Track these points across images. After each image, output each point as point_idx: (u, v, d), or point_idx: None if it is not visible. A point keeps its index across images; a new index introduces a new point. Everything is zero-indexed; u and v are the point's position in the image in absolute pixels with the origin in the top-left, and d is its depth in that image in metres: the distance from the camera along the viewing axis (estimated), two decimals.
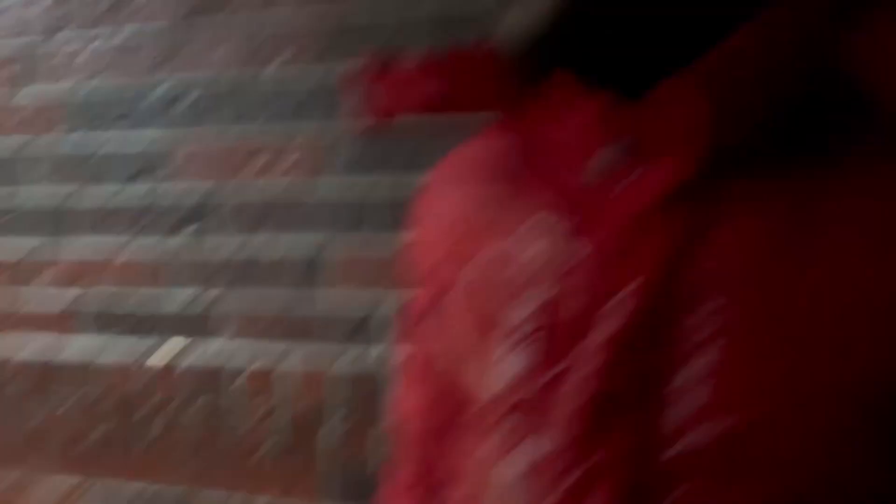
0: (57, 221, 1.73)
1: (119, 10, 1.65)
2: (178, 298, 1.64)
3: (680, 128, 0.60)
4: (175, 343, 1.64)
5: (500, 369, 0.67)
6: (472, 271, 0.74)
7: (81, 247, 1.71)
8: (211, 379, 1.61)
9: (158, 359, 1.65)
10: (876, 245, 0.56)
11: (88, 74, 1.69)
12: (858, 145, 0.59)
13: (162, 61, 1.62)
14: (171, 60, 1.61)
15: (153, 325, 1.66)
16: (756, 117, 0.60)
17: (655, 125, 0.62)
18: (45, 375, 1.73)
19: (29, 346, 1.75)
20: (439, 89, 0.73)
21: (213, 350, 1.61)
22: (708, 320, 0.59)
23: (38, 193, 1.73)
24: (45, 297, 1.74)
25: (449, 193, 0.82)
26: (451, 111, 0.75)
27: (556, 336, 0.64)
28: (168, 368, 1.65)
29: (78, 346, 1.72)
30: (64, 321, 1.73)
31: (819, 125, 0.60)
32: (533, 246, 0.68)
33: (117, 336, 1.69)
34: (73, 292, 1.72)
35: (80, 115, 1.70)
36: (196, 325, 1.62)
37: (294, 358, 1.55)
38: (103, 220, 1.69)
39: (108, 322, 1.70)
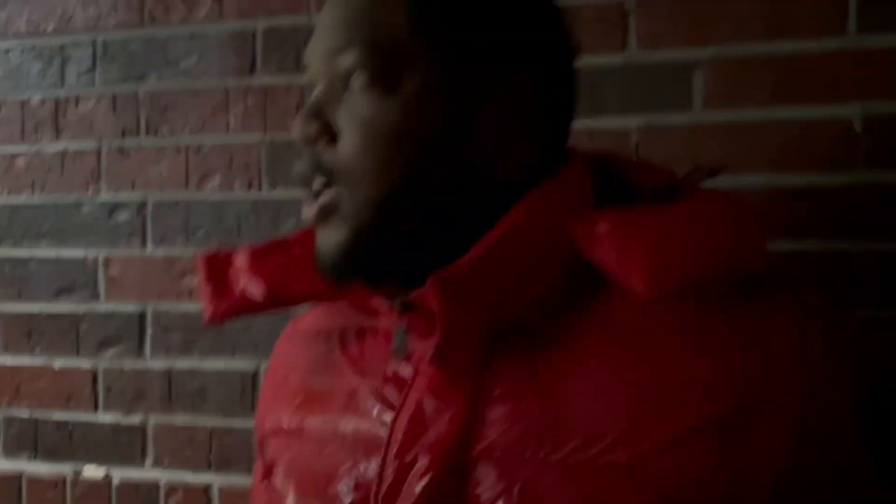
0: None
1: (47, 127, 1.63)
2: (100, 422, 1.58)
3: (426, 324, 0.72)
4: (96, 469, 1.58)
5: None
6: (299, 444, 0.83)
7: None
8: None
9: (78, 485, 1.59)
10: (611, 417, 0.67)
11: (13, 190, 1.65)
12: (607, 323, 0.71)
13: (90, 180, 1.60)
14: (99, 180, 1.59)
15: (73, 450, 1.59)
16: (491, 314, 0.72)
17: (413, 321, 0.75)
18: None
19: None
20: (263, 290, 0.84)
21: (137, 477, 1.55)
22: (487, 491, 0.69)
23: None
24: None
25: (293, 357, 0.92)
26: (275, 309, 0.87)
27: None
28: (88, 495, 1.58)
29: None
30: None
31: (572, 308, 0.72)
32: (353, 421, 0.79)
33: (34, 461, 1.62)
34: None
35: (3, 230, 1.65)
36: (119, 450, 1.56)
37: (221, 487, 1.50)
38: (24, 338, 1.64)
39: (25, 445, 1.63)
